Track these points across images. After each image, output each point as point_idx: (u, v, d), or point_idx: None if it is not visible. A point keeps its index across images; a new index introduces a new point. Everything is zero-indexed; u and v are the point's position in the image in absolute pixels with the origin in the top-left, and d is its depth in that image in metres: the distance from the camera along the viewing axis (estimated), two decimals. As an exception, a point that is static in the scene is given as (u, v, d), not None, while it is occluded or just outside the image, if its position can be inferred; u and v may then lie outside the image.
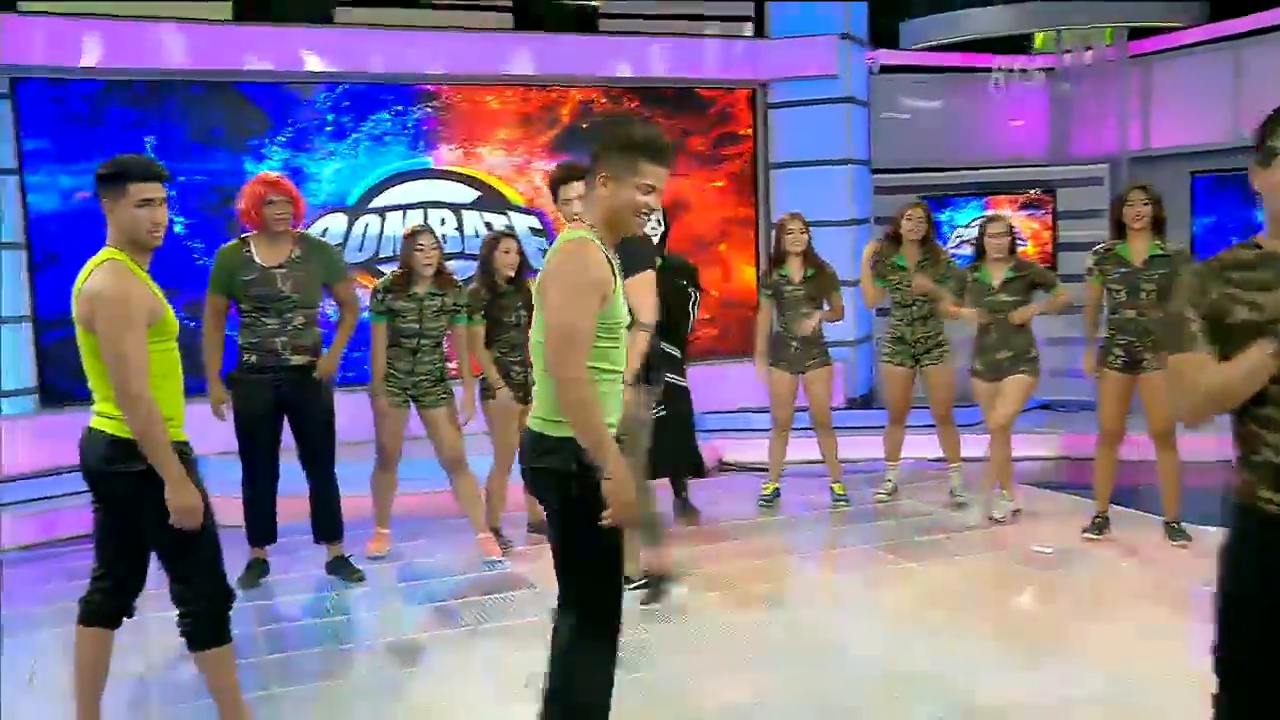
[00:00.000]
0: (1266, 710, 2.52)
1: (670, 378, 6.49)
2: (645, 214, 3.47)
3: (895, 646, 5.14)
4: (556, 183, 5.44)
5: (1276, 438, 2.47)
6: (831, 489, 7.56)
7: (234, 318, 5.98)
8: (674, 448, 6.80)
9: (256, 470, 6.02)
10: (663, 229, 6.79)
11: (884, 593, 5.97)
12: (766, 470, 7.74)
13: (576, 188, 5.07)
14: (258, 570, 6.13)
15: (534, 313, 3.52)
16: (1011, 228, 7.05)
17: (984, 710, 4.44)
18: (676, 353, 6.81)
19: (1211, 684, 2.70)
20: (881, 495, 7.61)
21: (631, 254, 4.60)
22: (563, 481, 3.41)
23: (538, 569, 5.93)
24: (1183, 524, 6.50)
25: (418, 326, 6.34)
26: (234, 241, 6.02)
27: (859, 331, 10.01)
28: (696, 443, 7.30)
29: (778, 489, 7.60)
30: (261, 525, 6.10)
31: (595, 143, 3.50)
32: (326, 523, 6.18)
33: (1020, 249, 7.41)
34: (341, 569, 6.22)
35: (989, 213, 7.85)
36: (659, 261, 5.77)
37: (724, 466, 9.07)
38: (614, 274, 3.43)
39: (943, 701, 4.50)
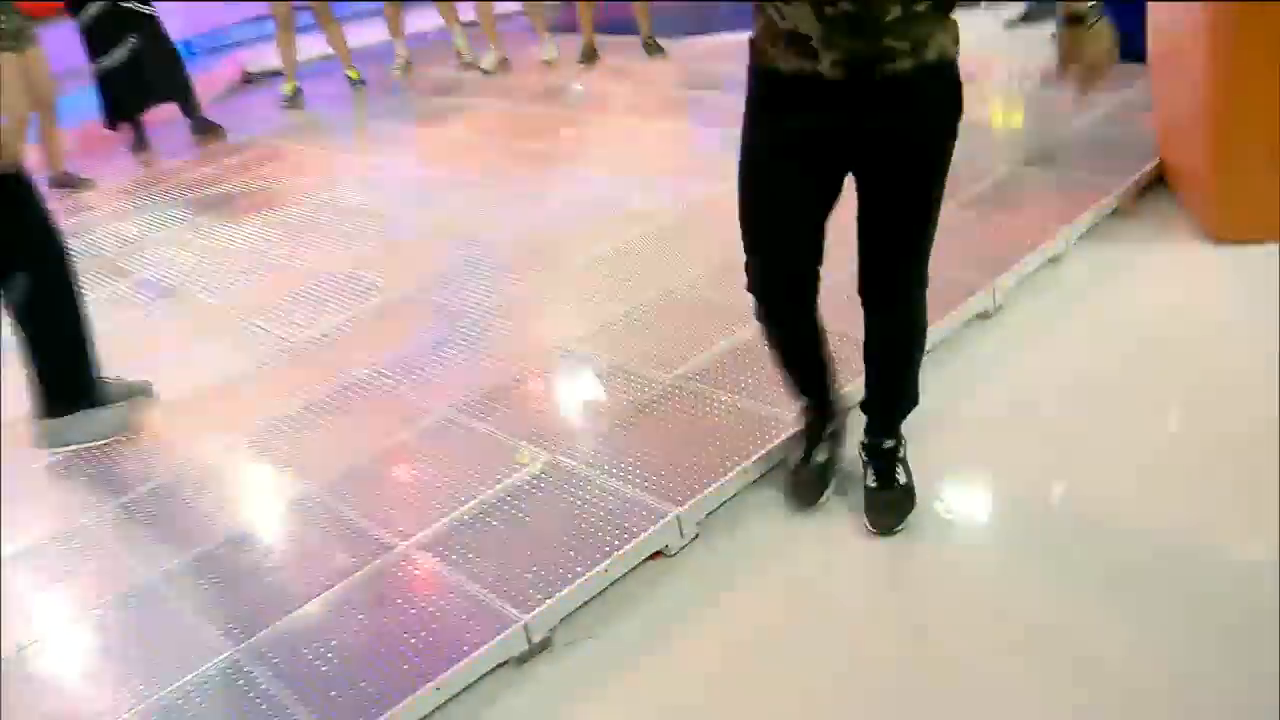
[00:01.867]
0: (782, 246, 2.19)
1: (133, 5, 5.86)
2: None
3: (428, 200, 4.87)
4: None
5: (789, 10, 1.93)
6: (347, 76, 6.83)
7: None
8: (162, 75, 5.97)
9: None
10: None
11: (412, 160, 5.54)
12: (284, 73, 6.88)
13: None
14: None
15: None
16: None
17: (520, 231, 4.24)
18: None
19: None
20: (396, 71, 6.96)
21: None
22: None
23: None
24: (656, 39, 6.35)
25: None
26: None
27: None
28: (181, 64, 6.28)
29: (297, 87, 6.78)
30: None
31: None
32: None
33: None
34: None
35: None
36: None
37: (250, 79, 8.03)
38: None
39: (472, 237, 4.27)
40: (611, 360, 3.15)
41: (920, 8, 1.89)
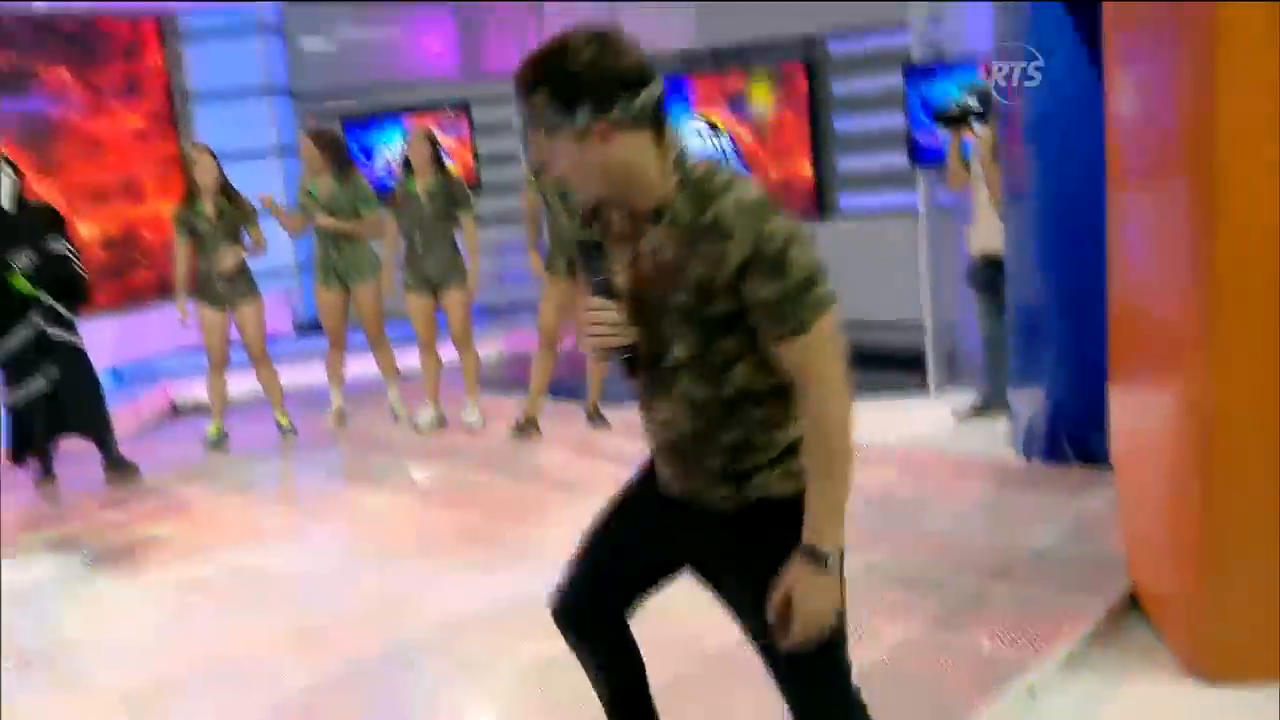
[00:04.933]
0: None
1: (59, 335, 5.92)
2: None
3: (352, 573, 4.71)
4: None
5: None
6: (277, 421, 6.83)
7: None
8: (80, 410, 5.95)
9: None
10: (13, 178, 5.90)
11: (338, 523, 5.44)
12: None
13: None
14: None
15: None
16: (434, 140, 6.56)
17: (449, 619, 4.07)
18: (64, 310, 5.99)
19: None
20: (330, 421, 6.98)
21: None
22: None
23: None
24: (601, 410, 6.42)
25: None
26: None
27: (300, 256, 9.25)
28: (102, 399, 6.26)
29: (223, 430, 6.75)
30: None
31: None
32: None
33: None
34: None
35: (415, 127, 7.39)
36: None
37: (177, 411, 8.02)
38: None
39: (412, 620, 4.10)
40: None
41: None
